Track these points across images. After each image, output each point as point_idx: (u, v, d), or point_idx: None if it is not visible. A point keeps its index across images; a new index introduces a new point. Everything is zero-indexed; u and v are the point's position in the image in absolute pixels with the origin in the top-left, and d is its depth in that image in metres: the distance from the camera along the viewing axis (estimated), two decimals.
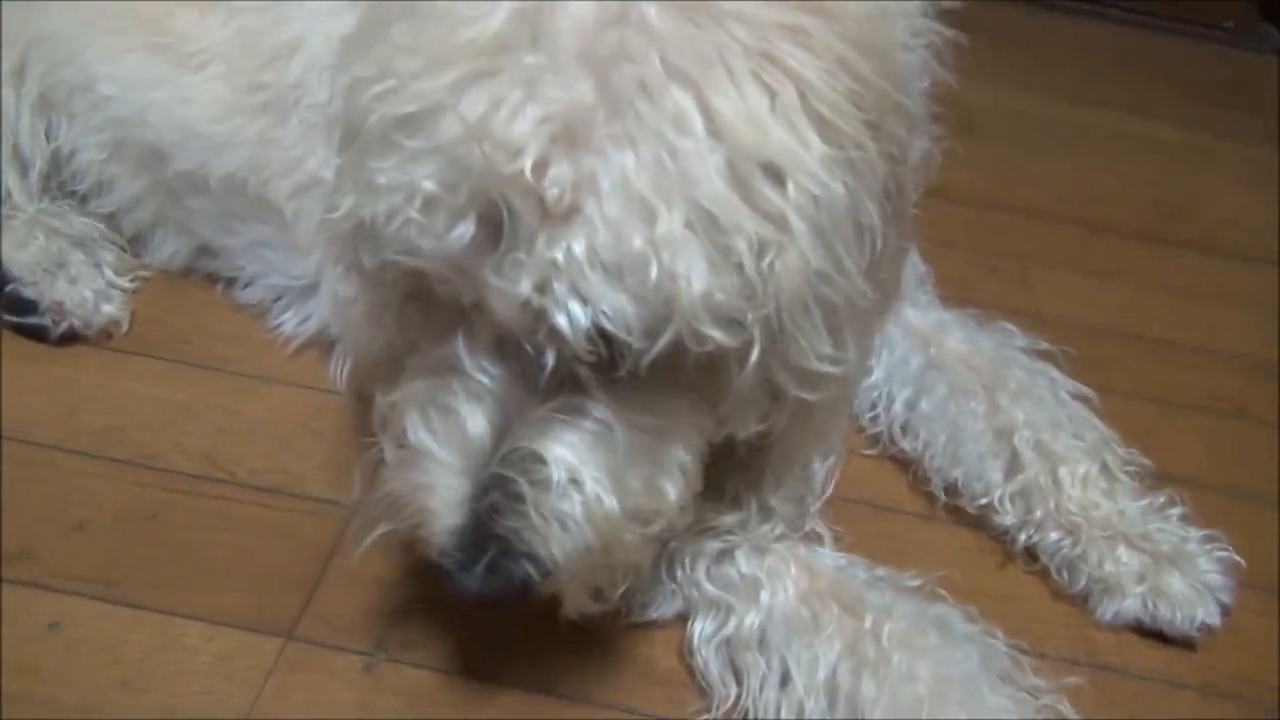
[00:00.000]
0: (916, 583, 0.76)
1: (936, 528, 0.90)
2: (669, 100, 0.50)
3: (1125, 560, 0.83)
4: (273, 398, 0.92)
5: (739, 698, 0.71)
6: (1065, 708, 0.71)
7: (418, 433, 0.60)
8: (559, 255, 0.50)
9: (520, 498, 0.57)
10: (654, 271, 0.50)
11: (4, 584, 0.73)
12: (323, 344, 0.95)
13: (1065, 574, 0.85)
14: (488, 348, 0.58)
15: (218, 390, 0.92)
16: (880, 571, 0.76)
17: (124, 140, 0.97)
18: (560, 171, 0.50)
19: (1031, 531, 0.86)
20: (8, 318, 0.94)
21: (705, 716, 0.71)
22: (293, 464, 0.86)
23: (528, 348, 0.55)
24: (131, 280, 1.01)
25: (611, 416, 0.59)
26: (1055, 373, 0.95)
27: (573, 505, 0.58)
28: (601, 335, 0.52)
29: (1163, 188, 1.50)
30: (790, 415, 0.64)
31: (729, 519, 0.74)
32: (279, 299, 0.98)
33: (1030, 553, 0.87)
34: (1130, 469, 0.90)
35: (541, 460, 0.58)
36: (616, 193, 0.50)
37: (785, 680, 0.70)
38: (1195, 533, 0.85)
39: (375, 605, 0.76)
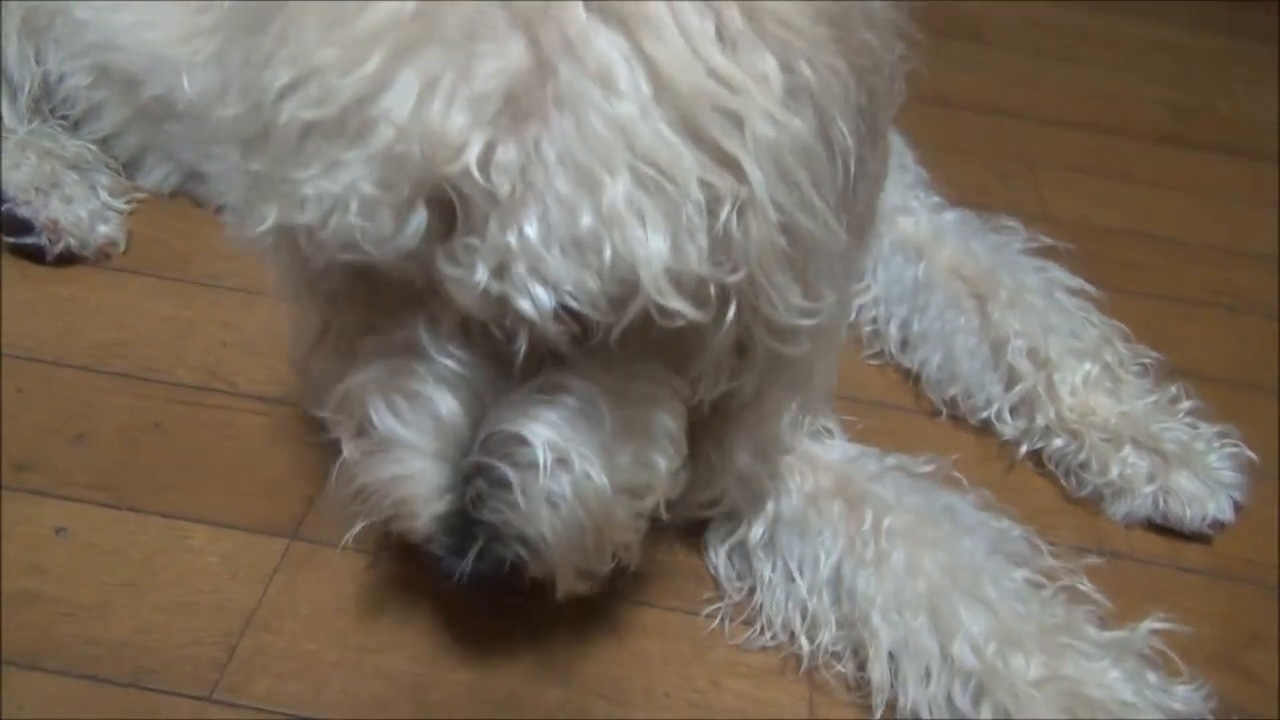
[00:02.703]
0: (929, 468, 0.76)
1: (944, 424, 0.90)
2: (595, 52, 0.45)
3: (1133, 461, 0.82)
4: (269, 312, 0.91)
5: (752, 590, 0.72)
6: (1085, 586, 0.70)
7: (385, 420, 0.57)
8: (513, 239, 0.46)
9: (505, 483, 0.55)
10: (607, 249, 0.46)
11: (9, 492, 0.74)
12: None
13: (1073, 478, 0.84)
14: (452, 332, 0.55)
15: (218, 305, 0.92)
16: (890, 460, 0.75)
17: (104, 65, 0.96)
18: (506, 156, 0.45)
19: (1035, 439, 0.86)
20: (4, 238, 0.93)
21: (714, 606, 0.71)
22: (291, 374, 0.86)
23: (495, 332, 0.52)
24: (127, 202, 1.01)
25: (593, 390, 0.56)
26: (1056, 271, 0.94)
27: (561, 485, 0.56)
28: (568, 312, 0.49)
29: (1176, 89, 1.47)
30: (762, 371, 0.59)
31: (705, 496, 0.70)
32: None
33: (1036, 457, 0.86)
34: (1143, 361, 0.89)
35: (524, 442, 0.55)
36: (563, 164, 0.45)
37: (790, 578, 0.71)
38: (1206, 428, 0.84)
39: None
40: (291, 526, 0.74)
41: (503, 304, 0.48)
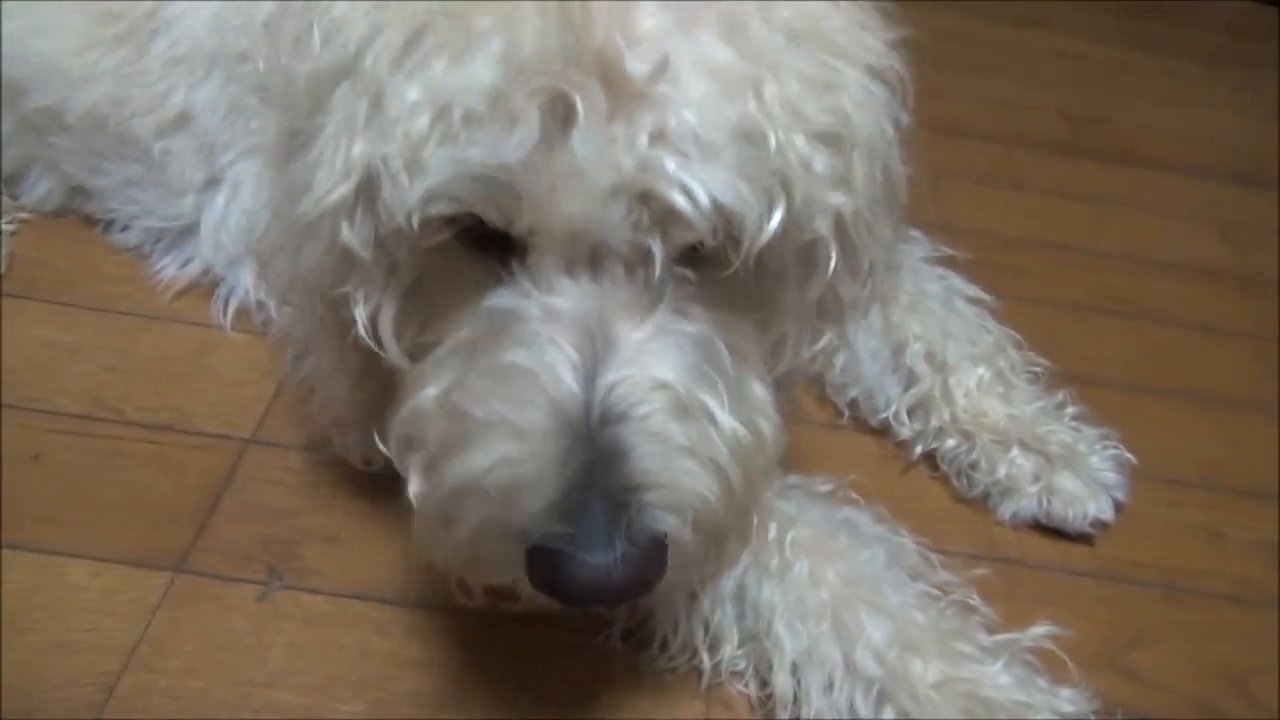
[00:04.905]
0: (827, 488, 0.77)
1: (842, 436, 0.91)
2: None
3: (1020, 462, 0.84)
4: (161, 336, 0.89)
5: (650, 610, 0.71)
6: (975, 600, 0.72)
7: (480, 407, 0.48)
8: (666, 123, 0.44)
9: (651, 434, 0.47)
10: (772, 141, 0.45)
11: None
12: (206, 286, 0.93)
13: (964, 479, 0.86)
14: (556, 272, 0.49)
15: (104, 330, 0.89)
16: (792, 479, 0.76)
17: None
18: (641, 48, 0.44)
19: (929, 440, 0.88)
20: None
21: (609, 627, 0.71)
22: (183, 401, 0.84)
23: (621, 251, 0.47)
24: (9, 223, 0.97)
25: (709, 332, 0.51)
26: (955, 279, 0.96)
27: (711, 436, 0.48)
28: (719, 217, 0.46)
29: (1072, 99, 1.51)
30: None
31: None
32: (158, 241, 0.95)
33: (931, 460, 0.88)
34: (1034, 369, 0.91)
35: (663, 385, 0.48)
36: (700, 67, 0.45)
37: (692, 594, 0.70)
38: (1089, 432, 0.87)
39: (270, 535, 0.74)
40: (176, 559, 0.72)
41: (641, 207, 0.45)
